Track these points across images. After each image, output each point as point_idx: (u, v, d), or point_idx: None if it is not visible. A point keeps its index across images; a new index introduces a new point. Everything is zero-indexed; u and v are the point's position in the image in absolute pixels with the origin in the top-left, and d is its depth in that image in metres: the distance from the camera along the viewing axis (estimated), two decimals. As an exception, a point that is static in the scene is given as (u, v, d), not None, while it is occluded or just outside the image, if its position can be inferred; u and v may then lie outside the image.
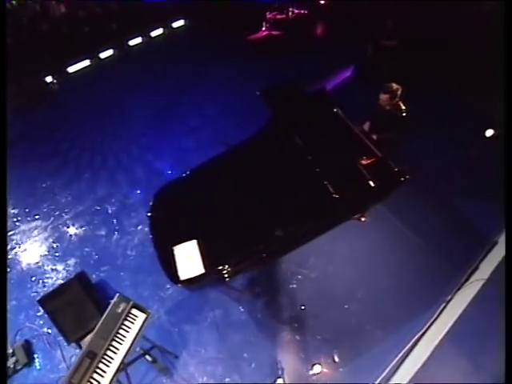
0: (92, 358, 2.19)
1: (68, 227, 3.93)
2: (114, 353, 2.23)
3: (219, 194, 2.79)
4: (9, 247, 3.80)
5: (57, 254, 3.74)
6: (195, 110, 5.06)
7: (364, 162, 3.06)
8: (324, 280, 3.39)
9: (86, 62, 5.76)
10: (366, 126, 3.62)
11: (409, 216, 3.81)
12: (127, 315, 2.34)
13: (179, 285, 2.46)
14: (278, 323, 3.19)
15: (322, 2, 6.32)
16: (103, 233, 3.83)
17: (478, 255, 3.55)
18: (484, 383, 2.84)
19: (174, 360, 3.01)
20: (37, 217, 4.06)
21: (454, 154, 4.35)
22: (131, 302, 2.38)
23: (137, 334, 2.31)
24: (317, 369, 2.84)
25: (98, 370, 2.19)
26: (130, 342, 2.27)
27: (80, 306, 2.99)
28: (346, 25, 5.77)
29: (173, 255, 2.47)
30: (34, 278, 3.58)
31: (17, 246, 3.84)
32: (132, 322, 2.32)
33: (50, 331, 3.19)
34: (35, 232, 3.94)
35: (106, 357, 2.22)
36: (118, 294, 2.41)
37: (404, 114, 3.34)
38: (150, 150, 4.58)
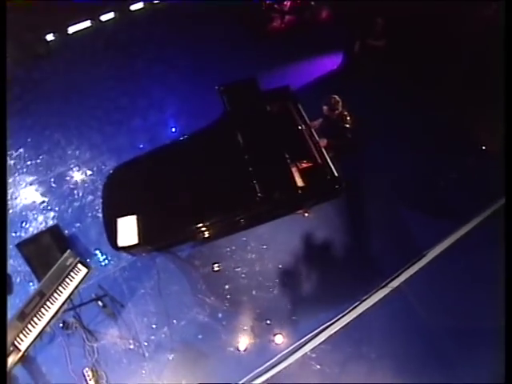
0: (41, 296, 2.81)
1: (54, 183, 4.48)
2: (58, 295, 2.84)
3: (162, 179, 3.23)
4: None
5: (42, 206, 4.35)
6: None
7: (302, 166, 3.40)
8: (257, 262, 3.87)
9: (87, 23, 5.89)
10: (318, 123, 3.82)
11: (350, 220, 4.16)
12: (73, 268, 2.92)
13: (118, 250, 2.99)
14: (211, 292, 3.75)
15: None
16: (80, 194, 4.38)
17: (402, 265, 3.88)
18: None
19: (120, 308, 3.66)
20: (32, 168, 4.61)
21: (415, 169, 4.53)
22: (78, 258, 2.96)
23: (79, 283, 2.90)
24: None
25: (44, 306, 2.81)
26: (72, 288, 2.88)
27: (49, 255, 3.60)
28: (336, 19, 5.71)
29: (116, 225, 2.98)
30: (23, 223, 4.20)
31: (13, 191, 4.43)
32: (76, 274, 2.91)
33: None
34: (29, 179, 4.51)
35: (52, 297, 2.84)
36: (68, 250, 2.99)
37: (347, 126, 3.56)
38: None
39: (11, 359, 2.69)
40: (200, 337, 3.52)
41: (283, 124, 3.56)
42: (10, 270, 3.87)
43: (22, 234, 4.11)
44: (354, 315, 3.60)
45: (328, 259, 3.96)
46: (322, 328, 3.52)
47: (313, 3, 5.83)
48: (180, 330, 3.57)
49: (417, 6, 4.76)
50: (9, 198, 4.38)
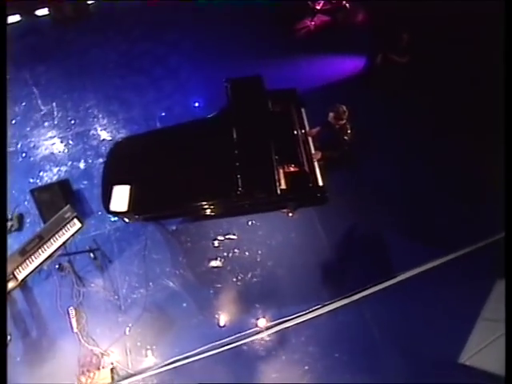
0: (40, 239, 3.27)
1: (71, 141, 4.94)
2: (54, 241, 3.30)
3: (160, 157, 3.56)
4: (28, 140, 4.94)
5: (58, 159, 4.83)
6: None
7: (288, 169, 3.61)
8: (237, 248, 4.18)
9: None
10: (316, 131, 3.95)
11: (333, 227, 4.31)
12: (70, 221, 3.35)
13: (109, 213, 3.39)
14: (189, 267, 4.12)
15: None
16: (92, 155, 4.81)
17: (370, 281, 4.03)
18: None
19: (108, 263, 4.12)
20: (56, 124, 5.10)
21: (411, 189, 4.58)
22: (75, 214, 3.38)
23: (72, 235, 3.34)
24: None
25: (42, 248, 3.27)
26: (65, 238, 3.32)
27: (55, 204, 4.07)
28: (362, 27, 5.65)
29: (111, 191, 3.36)
30: (40, 172, 4.72)
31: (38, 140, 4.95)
32: (71, 227, 3.35)
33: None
34: (52, 133, 5.00)
35: (48, 242, 3.29)
36: (68, 205, 3.42)
37: (346, 138, 3.68)
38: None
39: (10, 285, 3.19)
40: (170, 303, 3.92)
41: (280, 126, 3.73)
42: (23, 210, 4.43)
43: (38, 181, 4.62)
44: (313, 315, 3.85)
45: (302, 258, 4.17)
46: (282, 320, 3.81)
47: (347, 5, 5.77)
48: (154, 294, 3.98)
49: (447, 28, 4.67)
50: (32, 146, 4.90)
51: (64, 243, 3.33)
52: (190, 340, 3.71)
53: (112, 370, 3.54)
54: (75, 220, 3.35)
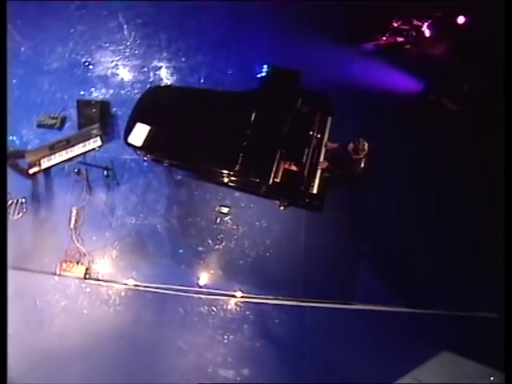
0: (67, 142, 3.87)
1: (129, 71, 5.48)
2: (77, 149, 3.88)
3: (184, 114, 3.94)
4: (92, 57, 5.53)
5: (111, 81, 5.39)
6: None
7: (289, 166, 3.84)
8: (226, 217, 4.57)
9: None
10: (332, 146, 4.05)
11: (315, 235, 4.48)
12: (94, 136, 3.89)
13: (126, 144, 3.88)
14: (177, 217, 4.58)
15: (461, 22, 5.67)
16: (137, 88, 5.30)
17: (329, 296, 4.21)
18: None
19: (115, 185, 4.73)
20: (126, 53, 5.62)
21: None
22: (100, 132, 3.91)
23: (92, 149, 3.89)
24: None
25: (66, 150, 3.87)
26: (86, 149, 3.89)
27: (91, 118, 4.67)
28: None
29: (134, 126, 3.83)
30: (92, 88, 5.33)
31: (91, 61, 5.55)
32: (93, 142, 3.89)
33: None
34: (114, 58, 5.55)
35: (73, 147, 3.87)
36: (98, 124, 3.95)
37: (355, 170, 3.76)
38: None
39: (34, 169, 3.86)
40: (150, 239, 4.46)
41: (299, 124, 3.90)
42: (67, 114, 5.10)
43: (86, 95, 5.22)
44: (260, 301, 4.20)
45: (276, 249, 4.46)
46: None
47: (426, 32, 5.56)
48: (141, 226, 4.54)
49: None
50: (93, 63, 5.52)
51: (84, 153, 3.89)
52: (152, 274, 4.25)
53: (86, 269, 4.20)
54: (98, 138, 3.88)
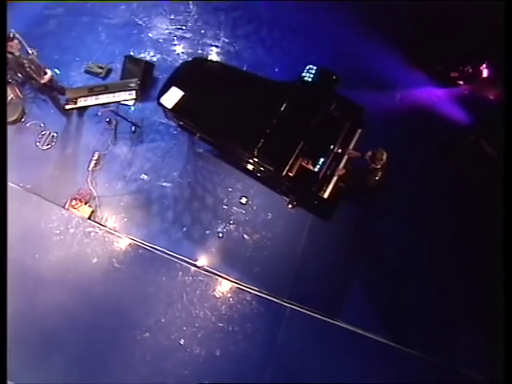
0: (105, 88, 4.22)
1: (176, 39, 5.68)
2: (113, 96, 4.14)
3: (219, 89, 4.04)
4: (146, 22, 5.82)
5: (159, 46, 5.62)
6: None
7: (305, 163, 3.83)
8: (234, 199, 4.60)
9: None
10: (354, 154, 3.94)
11: (316, 243, 4.39)
12: (131, 90, 4.12)
13: (158, 104, 4.03)
14: (193, 185, 4.68)
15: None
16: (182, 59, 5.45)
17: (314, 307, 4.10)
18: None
19: (138, 142, 4.89)
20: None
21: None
22: (137, 87, 4.14)
23: (125, 100, 4.14)
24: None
25: (102, 95, 4.11)
26: (120, 99, 4.15)
27: (134, 75, 4.84)
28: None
29: (169, 88, 3.97)
30: (142, 49, 5.56)
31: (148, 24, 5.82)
32: (129, 94, 4.10)
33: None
34: (167, 25, 5.83)
35: (109, 94, 4.12)
36: (137, 79, 4.14)
37: (370, 181, 3.66)
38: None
39: (70, 106, 4.18)
40: (159, 201, 4.58)
41: (327, 127, 3.89)
42: (113, 67, 5.36)
43: (135, 54, 5.45)
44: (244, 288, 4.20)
45: (272, 246, 4.39)
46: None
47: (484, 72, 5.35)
48: (153, 185, 4.66)
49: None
50: (148, 27, 5.79)
51: (117, 102, 4.14)
52: (148, 233, 4.36)
53: (92, 211, 4.39)
54: (134, 92, 4.07)
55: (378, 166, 3.50)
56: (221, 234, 4.39)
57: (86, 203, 4.38)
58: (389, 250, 4.40)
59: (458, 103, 5.26)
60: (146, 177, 4.71)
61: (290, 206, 4.50)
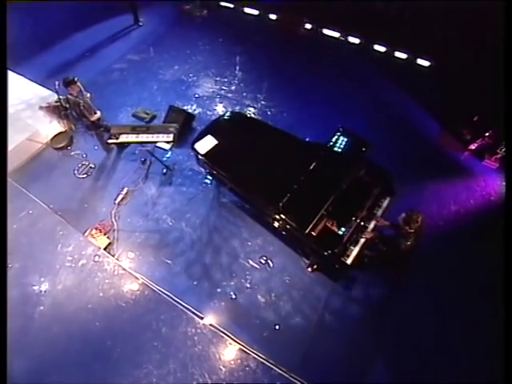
0: (147, 129, 4.48)
1: (218, 97, 6.26)
2: (157, 137, 4.38)
3: (251, 142, 4.20)
4: (194, 80, 6.50)
5: (201, 102, 6.17)
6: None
7: (331, 224, 3.71)
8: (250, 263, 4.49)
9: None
10: (383, 223, 3.84)
11: (336, 311, 4.03)
12: (169, 133, 4.40)
13: (191, 149, 4.23)
14: (212, 237, 4.66)
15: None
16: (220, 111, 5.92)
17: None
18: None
19: (167, 184, 5.05)
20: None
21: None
22: (176, 132, 4.43)
23: (161, 141, 4.38)
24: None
25: (142, 135, 4.39)
26: (159, 140, 4.39)
27: (175, 122, 5.21)
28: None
29: (204, 136, 4.21)
30: (186, 102, 6.13)
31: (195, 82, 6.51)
32: (167, 137, 4.37)
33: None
34: (211, 85, 6.51)
35: (152, 135, 4.38)
36: (176, 124, 4.47)
37: (402, 245, 3.44)
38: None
39: (112, 140, 4.48)
40: (176, 243, 4.51)
41: (356, 191, 3.81)
42: (158, 114, 5.83)
43: (180, 105, 5.94)
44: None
45: (287, 309, 4.05)
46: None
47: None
48: (173, 227, 4.64)
49: None
50: (195, 84, 6.47)
51: (155, 142, 4.49)
52: (159, 275, 4.20)
53: (109, 243, 4.37)
54: (172, 135, 4.34)
55: (412, 230, 3.31)
56: (233, 290, 4.14)
57: (105, 234, 4.39)
58: (417, 326, 3.95)
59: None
60: (167, 218, 4.72)
61: (309, 269, 4.27)
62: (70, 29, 7.58)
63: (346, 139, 4.06)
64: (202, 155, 4.09)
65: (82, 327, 3.78)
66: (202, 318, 3.83)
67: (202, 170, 4.84)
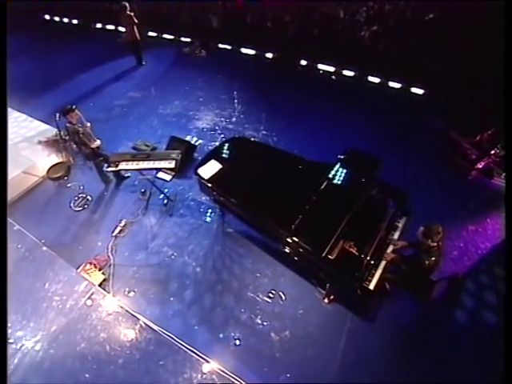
0: (147, 156, 4.27)
1: (217, 129, 6.25)
2: (153, 164, 4.20)
3: (257, 166, 4.03)
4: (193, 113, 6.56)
5: (202, 134, 6.15)
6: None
7: (348, 246, 3.40)
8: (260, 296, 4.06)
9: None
10: (402, 244, 3.56)
11: (359, 344, 3.57)
12: (172, 159, 4.20)
13: (195, 174, 4.05)
14: (216, 273, 4.30)
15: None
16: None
17: None
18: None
19: (167, 215, 4.78)
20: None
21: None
22: (177, 159, 4.22)
23: (163, 167, 4.21)
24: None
25: (143, 162, 4.22)
26: (156, 166, 4.19)
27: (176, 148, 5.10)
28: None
29: (208, 161, 4.05)
30: (187, 134, 6.12)
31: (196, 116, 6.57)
32: (169, 164, 4.18)
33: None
34: (211, 117, 6.57)
35: (150, 161, 4.20)
36: (178, 151, 4.32)
37: (425, 262, 3.07)
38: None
39: (111, 168, 4.26)
40: (177, 279, 4.12)
41: (370, 211, 3.57)
42: (159, 146, 5.75)
43: (180, 134, 5.86)
44: None
45: (303, 346, 3.59)
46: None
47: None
48: (174, 261, 4.27)
49: None
50: (195, 117, 6.52)
51: (157, 168, 4.36)
52: (159, 313, 3.76)
53: (104, 279, 3.97)
54: (174, 161, 4.18)
55: (434, 244, 3.02)
56: (243, 327, 3.69)
57: (100, 269, 4.01)
58: (454, 366, 3.42)
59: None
60: (169, 251, 4.38)
61: (326, 300, 3.88)
62: (76, 70, 7.93)
63: (354, 157, 3.90)
64: (206, 180, 3.90)
65: (68, 377, 3.25)
66: (208, 362, 3.33)
67: (206, 197, 4.63)
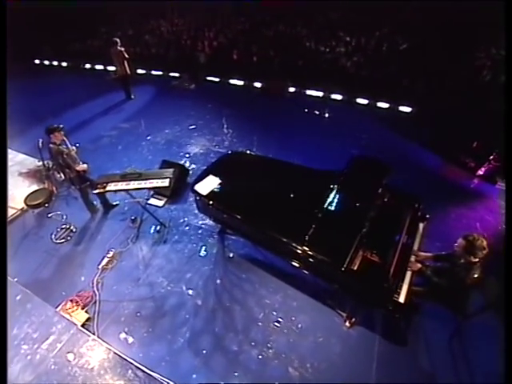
0: (139, 175, 3.93)
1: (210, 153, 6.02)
2: (144, 184, 3.84)
3: (256, 178, 3.77)
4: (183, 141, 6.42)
5: (195, 159, 5.90)
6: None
7: (369, 256, 3.01)
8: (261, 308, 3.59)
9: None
10: (425, 256, 3.22)
11: (393, 371, 3.05)
12: (165, 177, 3.87)
13: (191, 191, 3.70)
14: (218, 299, 3.79)
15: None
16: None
17: None
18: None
19: (161, 243, 4.32)
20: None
21: None
22: (171, 177, 3.89)
23: (158, 187, 3.84)
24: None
25: (134, 181, 3.85)
26: (153, 185, 3.85)
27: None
28: None
29: (206, 176, 3.73)
30: (179, 160, 5.85)
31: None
32: (162, 182, 3.83)
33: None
34: (201, 142, 6.37)
35: (141, 181, 3.86)
36: (173, 169, 4.01)
37: (466, 279, 2.71)
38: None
39: (99, 190, 3.83)
40: (172, 312, 3.58)
41: (386, 219, 3.27)
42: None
43: (171, 158, 5.58)
44: None
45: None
46: None
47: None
48: (170, 292, 3.74)
49: None
50: (184, 144, 6.32)
51: (150, 188, 3.93)
52: (161, 357, 3.17)
53: (88, 318, 3.38)
54: (168, 180, 3.83)
55: (477, 259, 2.63)
56: (255, 363, 3.11)
57: (83, 308, 3.42)
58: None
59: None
60: (163, 281, 3.86)
61: (347, 323, 3.39)
62: (66, 108, 7.84)
63: (362, 164, 3.67)
64: (204, 196, 3.54)
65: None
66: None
67: (203, 220, 4.26)
